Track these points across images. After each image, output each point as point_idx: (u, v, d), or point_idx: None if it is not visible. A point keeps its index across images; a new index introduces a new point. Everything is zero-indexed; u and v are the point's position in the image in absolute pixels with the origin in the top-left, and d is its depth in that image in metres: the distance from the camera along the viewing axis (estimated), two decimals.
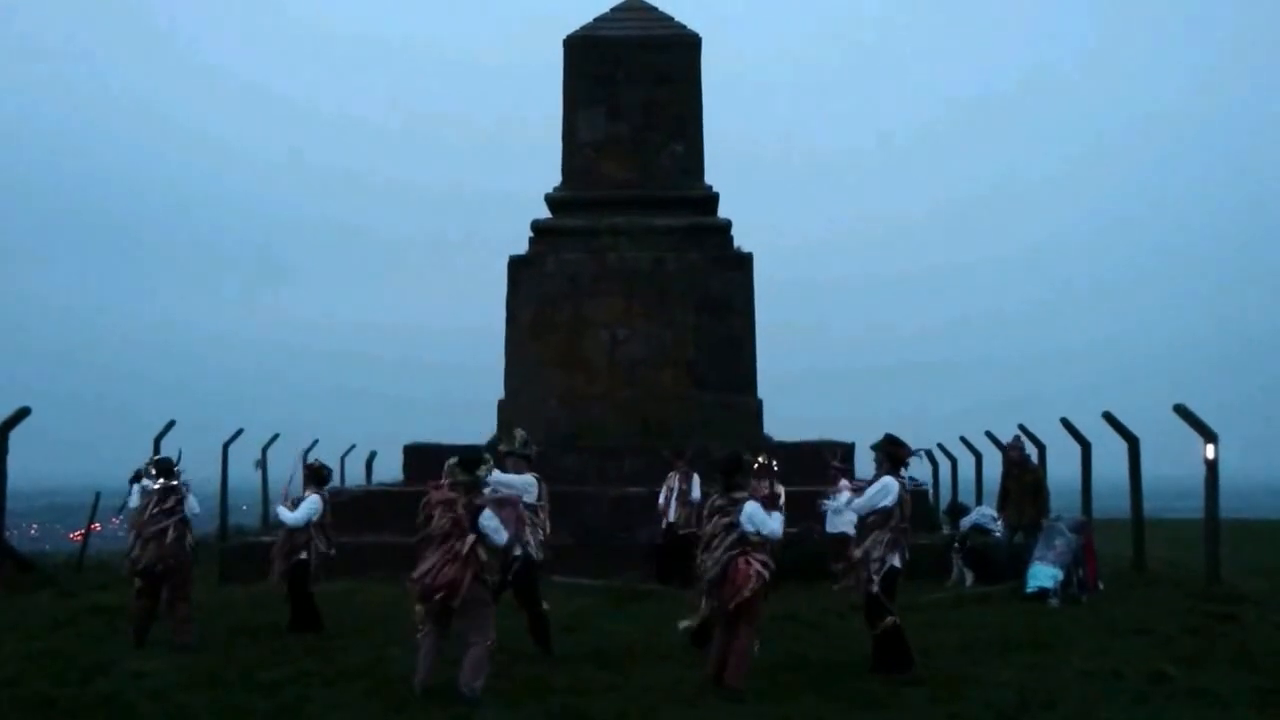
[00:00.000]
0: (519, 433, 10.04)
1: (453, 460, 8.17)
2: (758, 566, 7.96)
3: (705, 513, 8.42)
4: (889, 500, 8.55)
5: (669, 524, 14.10)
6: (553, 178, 20.33)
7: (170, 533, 10.10)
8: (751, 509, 8.07)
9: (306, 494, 11.05)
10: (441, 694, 7.79)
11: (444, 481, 8.12)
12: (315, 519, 10.88)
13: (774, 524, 8.07)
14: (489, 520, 7.98)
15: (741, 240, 19.77)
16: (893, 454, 8.71)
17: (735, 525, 8.04)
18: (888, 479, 8.63)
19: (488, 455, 8.32)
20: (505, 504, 8.61)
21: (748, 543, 8.02)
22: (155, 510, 10.21)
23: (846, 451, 17.06)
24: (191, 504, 10.42)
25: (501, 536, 8.07)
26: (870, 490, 8.71)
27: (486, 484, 8.27)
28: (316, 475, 11.25)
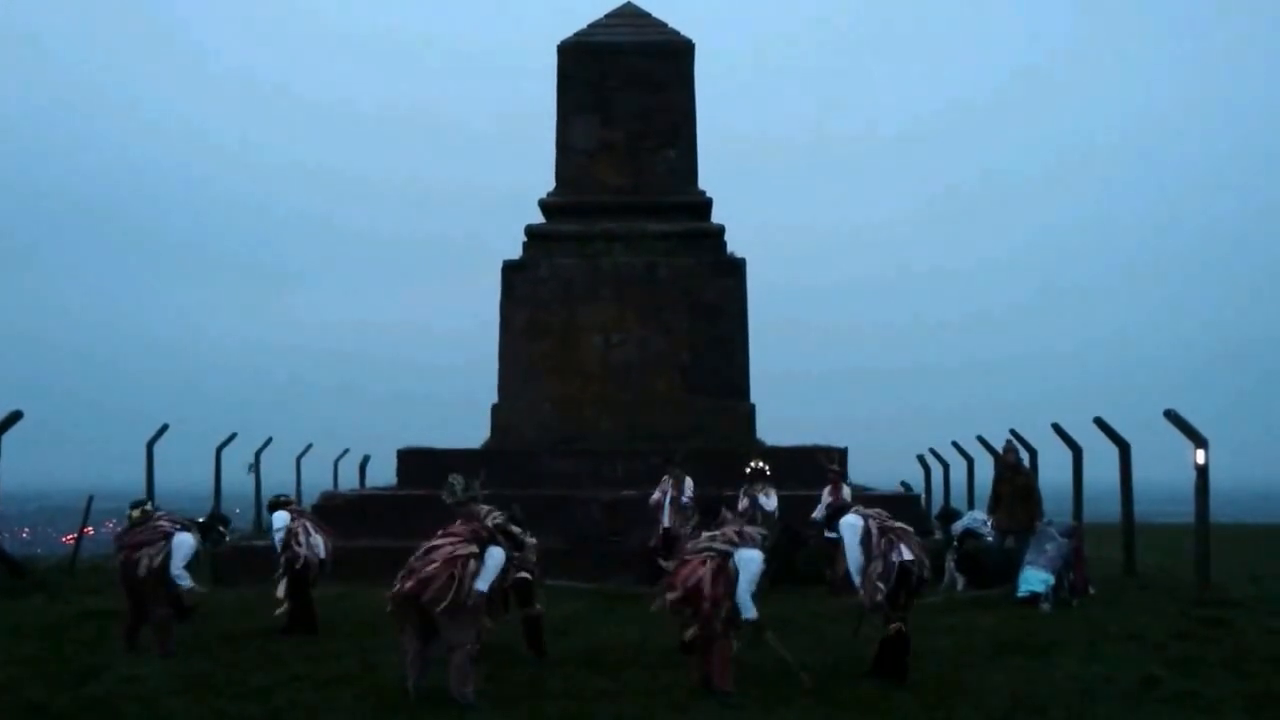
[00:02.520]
0: (455, 480, 9.32)
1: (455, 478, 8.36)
2: (711, 570, 8.00)
3: (690, 548, 8.41)
4: (856, 540, 8.52)
5: (665, 529, 14.12)
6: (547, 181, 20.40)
7: (139, 545, 9.95)
8: (750, 558, 8.04)
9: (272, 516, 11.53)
10: (434, 698, 7.80)
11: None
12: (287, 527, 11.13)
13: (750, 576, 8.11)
14: (495, 557, 8.01)
15: (734, 242, 19.89)
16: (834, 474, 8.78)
17: (725, 555, 8.08)
18: (843, 521, 8.65)
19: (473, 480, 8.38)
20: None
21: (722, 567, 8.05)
22: (142, 526, 10.10)
23: (840, 456, 17.13)
24: (180, 543, 9.92)
25: (483, 584, 7.95)
26: (847, 550, 8.58)
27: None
28: (274, 506, 11.64)
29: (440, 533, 8.27)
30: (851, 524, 8.61)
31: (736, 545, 8.14)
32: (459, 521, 8.33)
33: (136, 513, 10.32)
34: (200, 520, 10.63)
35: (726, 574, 8.02)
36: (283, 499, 11.88)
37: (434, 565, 7.84)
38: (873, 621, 8.73)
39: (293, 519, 11.31)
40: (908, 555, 8.43)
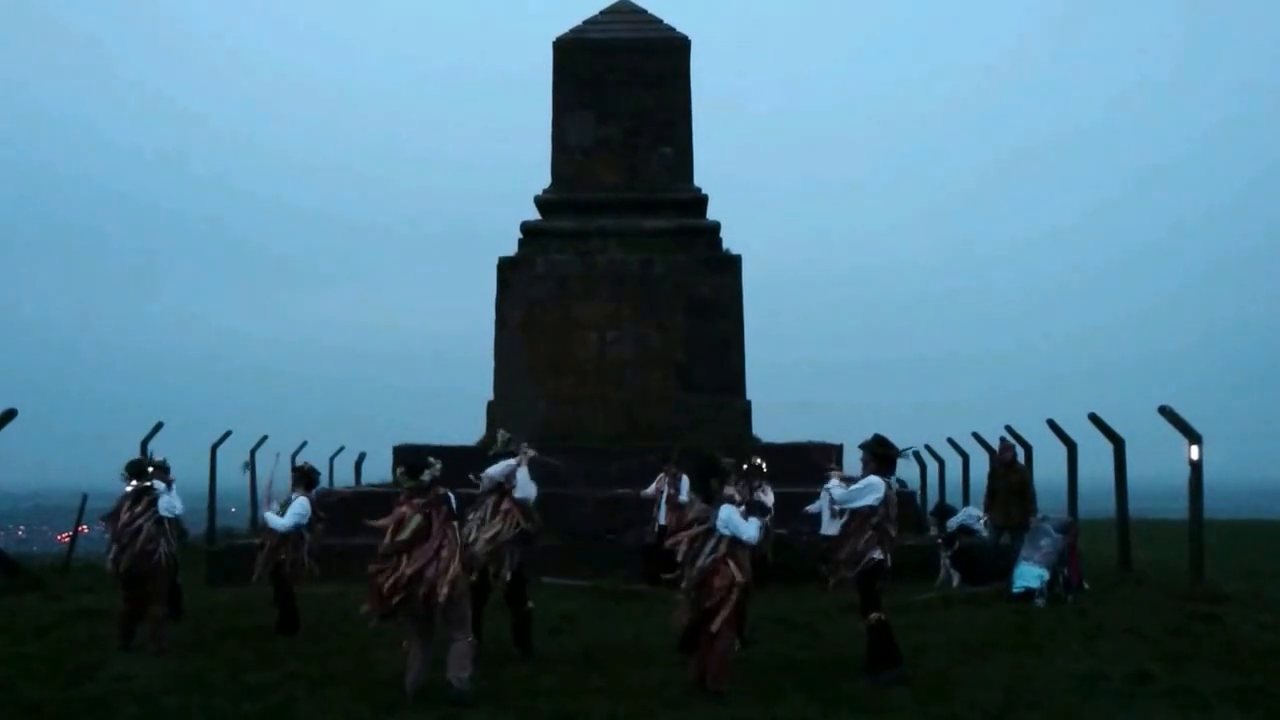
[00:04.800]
0: (501, 433, 10.18)
1: (400, 470, 8.22)
2: (734, 571, 7.95)
3: (687, 520, 8.40)
4: (872, 499, 8.55)
5: (660, 526, 14.12)
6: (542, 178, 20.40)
7: (142, 535, 9.98)
8: (727, 513, 8.03)
9: (294, 496, 11.05)
10: (431, 696, 7.81)
11: (401, 497, 8.15)
12: (304, 523, 10.91)
13: (750, 530, 8.08)
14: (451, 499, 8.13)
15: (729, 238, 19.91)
16: (880, 454, 8.73)
17: (714, 531, 8.03)
18: (874, 478, 8.64)
19: (431, 459, 8.30)
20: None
21: (729, 546, 8.00)
22: (128, 513, 10.09)
23: (836, 453, 17.14)
24: (166, 503, 10.13)
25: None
26: (853, 487, 8.72)
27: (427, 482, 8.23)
28: (305, 478, 11.23)
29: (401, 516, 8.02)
30: (875, 486, 8.57)
31: (713, 508, 8.08)
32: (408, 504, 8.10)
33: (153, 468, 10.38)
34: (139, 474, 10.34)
35: (731, 550, 8.00)
36: (313, 474, 11.53)
37: (439, 561, 7.80)
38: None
39: (308, 519, 11.07)
40: (878, 555, 8.50)
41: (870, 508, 8.54)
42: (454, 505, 8.10)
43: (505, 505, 9.48)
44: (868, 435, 8.97)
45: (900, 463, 8.97)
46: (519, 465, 9.67)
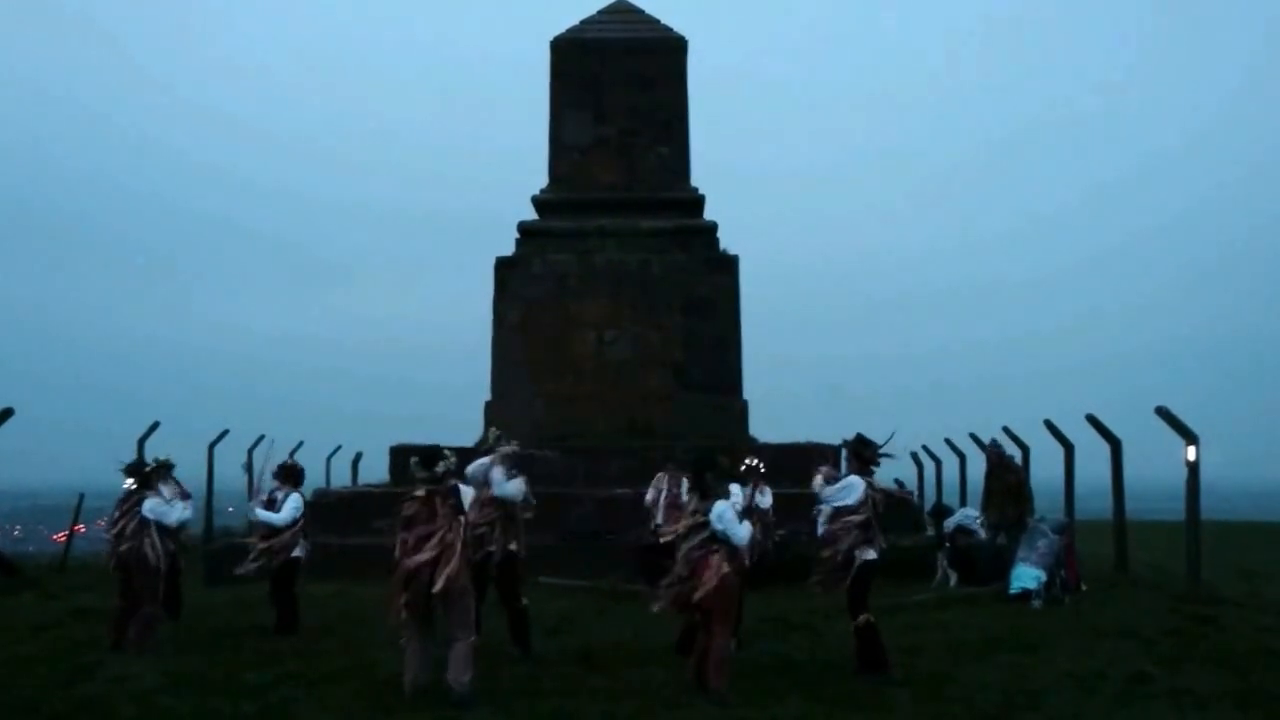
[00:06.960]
0: (492, 431, 10.31)
1: (414, 459, 8.22)
2: (723, 563, 7.95)
3: (687, 514, 8.39)
4: (850, 499, 8.60)
5: (657, 525, 14.11)
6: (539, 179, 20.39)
7: (125, 534, 10.02)
8: (721, 508, 8.03)
9: (281, 492, 11.01)
10: (429, 695, 7.80)
11: (415, 489, 8.17)
12: (300, 517, 10.92)
13: (741, 531, 8.06)
14: (467, 493, 8.21)
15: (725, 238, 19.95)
16: (860, 454, 8.83)
17: (707, 525, 8.05)
18: (853, 477, 8.74)
19: (447, 451, 8.31)
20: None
21: (717, 541, 8.00)
22: (120, 513, 10.17)
23: (833, 454, 17.16)
24: (149, 506, 10.05)
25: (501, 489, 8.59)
26: (834, 487, 8.77)
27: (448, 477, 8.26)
28: (293, 474, 11.22)
29: (412, 528, 8.04)
30: (854, 486, 8.62)
31: (709, 508, 8.07)
32: (419, 502, 8.12)
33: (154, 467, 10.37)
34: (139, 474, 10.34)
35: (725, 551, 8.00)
36: (300, 470, 11.46)
37: (445, 555, 7.82)
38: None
39: (302, 514, 11.07)
40: (871, 555, 8.53)
41: (850, 507, 8.59)
42: (462, 499, 8.09)
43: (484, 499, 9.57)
44: (868, 432, 9.02)
45: (899, 460, 9.02)
46: (493, 464, 9.62)
